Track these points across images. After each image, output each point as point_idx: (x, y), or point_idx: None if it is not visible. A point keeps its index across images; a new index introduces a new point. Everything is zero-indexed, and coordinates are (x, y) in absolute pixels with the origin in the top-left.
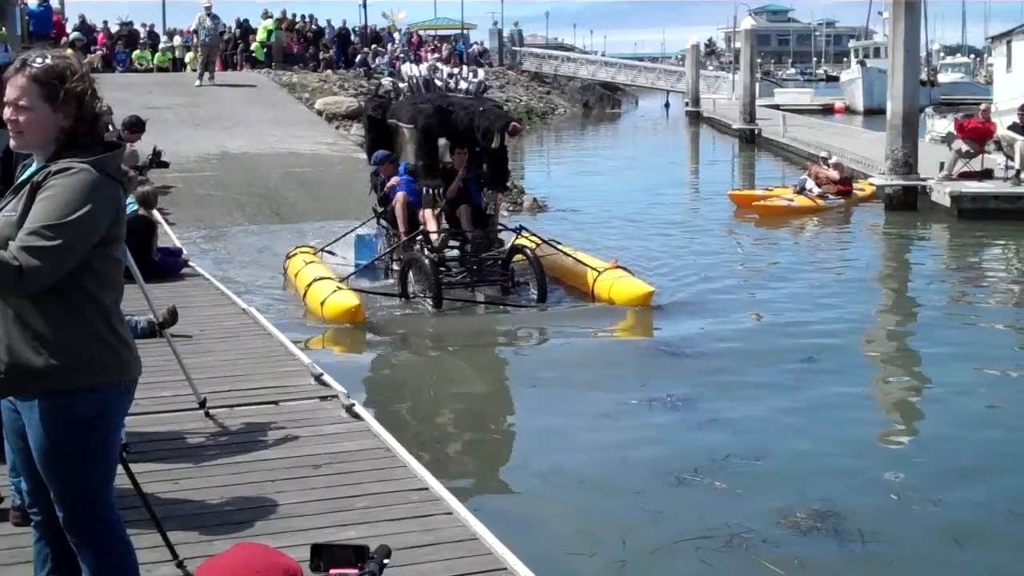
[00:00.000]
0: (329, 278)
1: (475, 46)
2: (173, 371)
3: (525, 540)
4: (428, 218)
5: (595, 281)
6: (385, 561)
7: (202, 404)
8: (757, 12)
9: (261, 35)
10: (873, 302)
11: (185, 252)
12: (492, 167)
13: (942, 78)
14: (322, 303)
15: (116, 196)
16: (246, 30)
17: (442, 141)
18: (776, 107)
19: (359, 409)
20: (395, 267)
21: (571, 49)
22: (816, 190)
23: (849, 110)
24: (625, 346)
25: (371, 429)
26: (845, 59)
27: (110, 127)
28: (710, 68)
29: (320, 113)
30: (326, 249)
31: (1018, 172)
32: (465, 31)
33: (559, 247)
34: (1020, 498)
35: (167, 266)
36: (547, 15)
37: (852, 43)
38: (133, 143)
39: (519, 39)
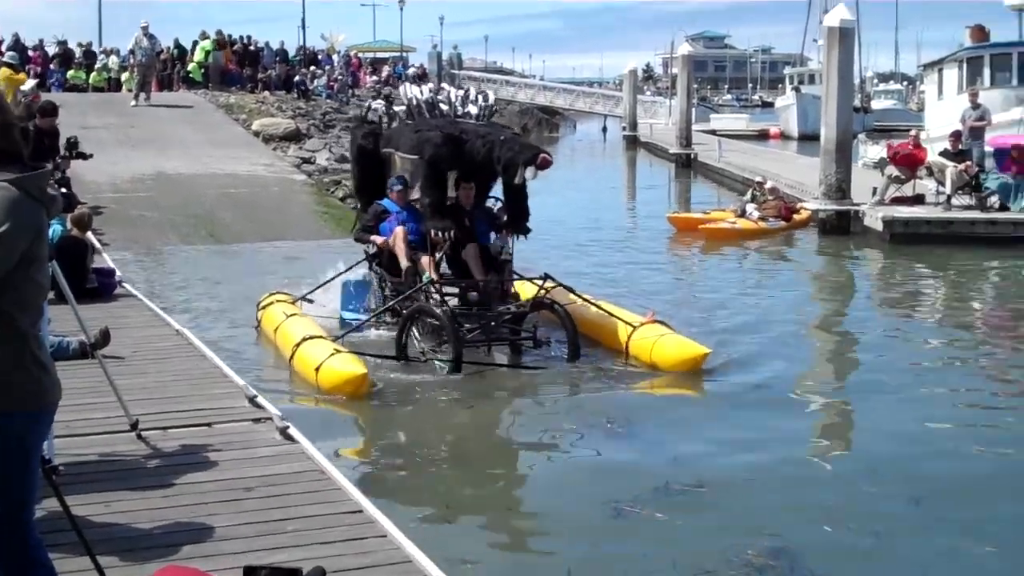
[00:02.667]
0: (321, 336)
1: (413, 68)
2: (105, 392)
3: (459, 564)
4: (427, 267)
5: (629, 337)
6: None
7: (134, 426)
8: (694, 38)
9: (198, 55)
10: (809, 329)
11: (119, 273)
12: (511, 205)
13: (875, 105)
14: (317, 369)
15: (38, 216)
16: (183, 50)
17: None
18: (712, 132)
19: (293, 431)
20: (388, 319)
21: (510, 73)
22: (756, 214)
23: (784, 136)
24: (560, 373)
25: (305, 451)
26: (780, 85)
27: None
28: (647, 93)
29: (257, 134)
30: (306, 297)
31: (949, 198)
32: (404, 53)
33: (583, 296)
34: (968, 527)
35: (100, 287)
36: (486, 39)
37: (787, 70)
38: (47, 127)
39: (458, 62)
